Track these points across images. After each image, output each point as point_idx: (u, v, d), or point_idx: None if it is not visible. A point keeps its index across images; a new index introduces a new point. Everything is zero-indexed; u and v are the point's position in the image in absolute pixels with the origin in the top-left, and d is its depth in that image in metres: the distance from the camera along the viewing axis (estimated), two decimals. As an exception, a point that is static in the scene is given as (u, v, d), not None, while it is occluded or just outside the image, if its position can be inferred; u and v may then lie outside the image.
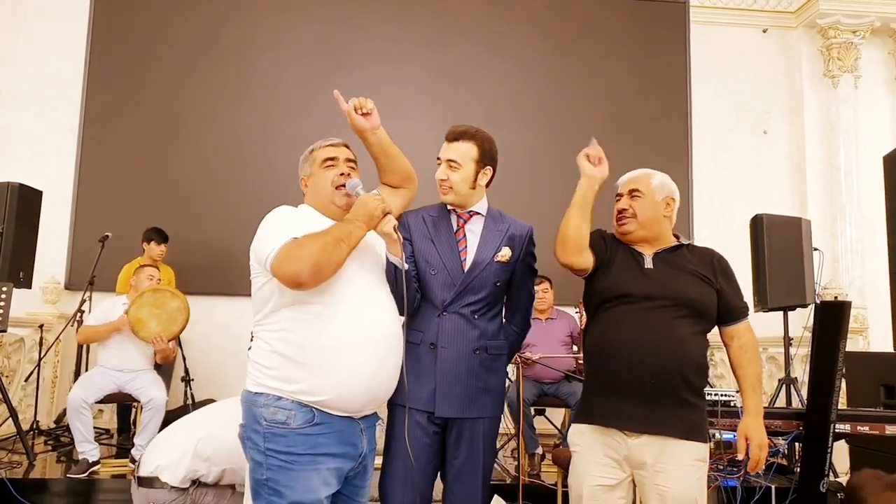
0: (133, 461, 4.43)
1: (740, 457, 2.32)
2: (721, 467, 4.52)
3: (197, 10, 7.06)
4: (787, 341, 4.75)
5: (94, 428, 4.73)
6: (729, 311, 2.36)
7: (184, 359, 5.36)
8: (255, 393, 1.99)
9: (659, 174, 2.45)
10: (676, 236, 2.46)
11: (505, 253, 2.42)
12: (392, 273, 2.25)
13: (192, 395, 5.54)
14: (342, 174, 2.16)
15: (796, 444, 3.88)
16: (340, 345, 1.98)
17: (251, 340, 2.16)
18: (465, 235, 2.44)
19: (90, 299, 5.63)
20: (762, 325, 5.89)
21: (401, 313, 2.21)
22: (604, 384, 2.34)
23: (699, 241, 6.89)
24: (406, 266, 2.22)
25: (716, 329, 2.42)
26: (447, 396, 2.31)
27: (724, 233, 7.00)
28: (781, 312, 4.85)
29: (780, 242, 4.63)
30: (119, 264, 5.84)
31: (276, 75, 7.03)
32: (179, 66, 6.97)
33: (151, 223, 6.50)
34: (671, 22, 7.48)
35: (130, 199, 6.72)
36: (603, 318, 2.38)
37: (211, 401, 6.43)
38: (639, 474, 2.26)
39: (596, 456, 2.29)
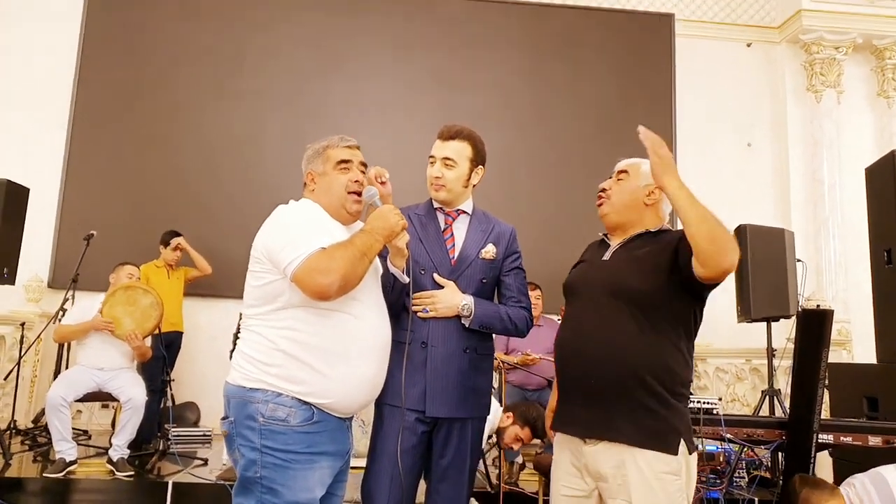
0: (111, 462, 4.37)
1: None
2: (704, 479, 4.53)
3: (188, 12, 7.06)
4: (771, 352, 4.76)
5: (72, 429, 4.67)
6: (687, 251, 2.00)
7: (164, 359, 5.29)
8: (251, 389, 1.95)
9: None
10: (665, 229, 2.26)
11: (489, 249, 2.45)
12: (390, 282, 2.29)
13: (172, 395, 5.47)
14: (357, 181, 2.15)
15: (779, 454, 3.88)
16: (348, 350, 2.00)
17: (236, 334, 2.13)
18: (452, 234, 2.47)
19: (73, 298, 5.56)
20: (746, 336, 5.96)
21: (392, 317, 2.25)
22: (561, 387, 2.26)
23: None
24: (407, 280, 2.25)
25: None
26: (438, 396, 2.31)
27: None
28: (765, 324, 4.87)
29: (763, 253, 4.65)
30: (104, 264, 5.76)
31: (265, 77, 7.03)
32: (170, 67, 6.96)
33: (137, 224, 6.50)
34: (657, 34, 7.55)
35: (117, 200, 6.69)
36: (563, 317, 2.33)
37: (192, 404, 6.40)
38: (601, 487, 2.09)
39: (565, 464, 2.19)
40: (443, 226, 2.48)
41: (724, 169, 7.52)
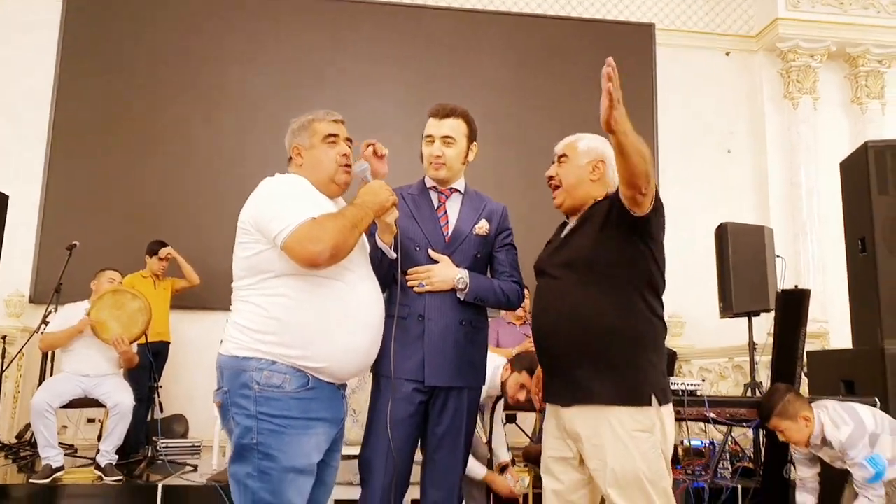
0: (98, 468, 4.35)
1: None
2: (690, 471, 4.60)
3: (169, 23, 7.09)
4: (752, 346, 4.83)
5: (59, 443, 4.62)
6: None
7: (152, 367, 5.27)
8: (245, 357, 1.97)
9: (590, 137, 2.36)
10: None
11: (483, 225, 2.53)
12: (378, 257, 2.34)
13: (160, 402, 5.44)
14: (345, 154, 2.19)
15: (760, 432, 3.94)
16: (341, 318, 2.03)
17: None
18: (445, 211, 2.54)
19: (56, 310, 5.52)
20: (728, 334, 6.03)
21: (383, 291, 2.30)
22: (539, 361, 2.38)
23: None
24: (395, 255, 2.32)
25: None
26: (436, 366, 2.37)
27: (689, 250, 7.10)
28: (746, 320, 4.94)
29: (743, 250, 4.75)
30: (87, 275, 5.74)
31: (250, 90, 7.08)
32: (151, 78, 6.98)
33: (121, 235, 6.46)
34: (638, 43, 7.70)
35: (99, 213, 6.66)
36: (534, 296, 2.41)
37: (180, 416, 6.36)
38: (580, 448, 2.16)
39: (552, 429, 2.29)
40: (436, 204, 2.55)
41: (704, 175, 7.65)
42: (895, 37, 7.69)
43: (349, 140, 2.24)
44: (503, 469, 3.57)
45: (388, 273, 2.36)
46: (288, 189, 2.08)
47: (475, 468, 3.24)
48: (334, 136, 2.19)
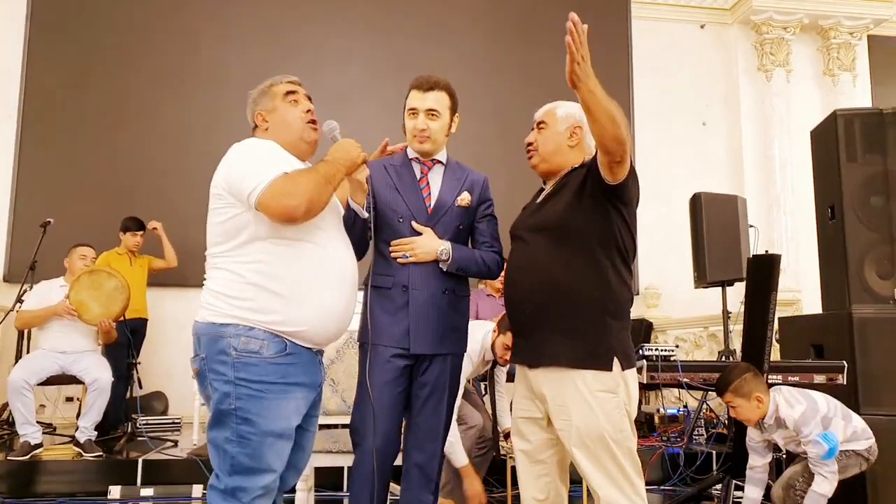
0: (77, 444, 4.34)
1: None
2: (667, 437, 4.70)
3: (139, -2, 6.97)
4: (726, 314, 4.92)
5: (37, 422, 4.58)
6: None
7: (130, 342, 5.24)
8: (222, 324, 1.96)
9: (568, 104, 2.38)
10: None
11: (465, 197, 2.55)
12: (351, 219, 2.36)
13: (138, 378, 5.42)
14: (309, 111, 2.19)
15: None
16: (316, 279, 2.03)
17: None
18: (428, 183, 2.56)
19: (31, 288, 5.47)
20: (703, 304, 6.13)
21: (357, 257, 2.29)
22: (510, 322, 2.44)
23: (640, 225, 7.07)
24: (367, 215, 2.33)
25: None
26: (421, 334, 2.41)
27: (665, 222, 7.17)
28: (720, 289, 5.02)
29: (717, 219, 4.82)
30: (62, 253, 5.70)
31: (220, 61, 6.99)
32: (122, 51, 6.87)
33: (94, 214, 6.38)
34: (614, 16, 7.71)
35: (72, 190, 6.58)
36: (507, 260, 2.47)
37: (159, 393, 6.34)
38: (546, 408, 2.21)
39: (521, 390, 2.35)
40: (419, 175, 2.56)
41: (680, 148, 7.71)
42: (865, 9, 7.79)
43: (308, 98, 2.24)
44: (507, 436, 3.63)
45: (362, 236, 2.38)
46: (258, 149, 2.07)
47: (458, 454, 3.26)
48: (294, 93, 2.19)
